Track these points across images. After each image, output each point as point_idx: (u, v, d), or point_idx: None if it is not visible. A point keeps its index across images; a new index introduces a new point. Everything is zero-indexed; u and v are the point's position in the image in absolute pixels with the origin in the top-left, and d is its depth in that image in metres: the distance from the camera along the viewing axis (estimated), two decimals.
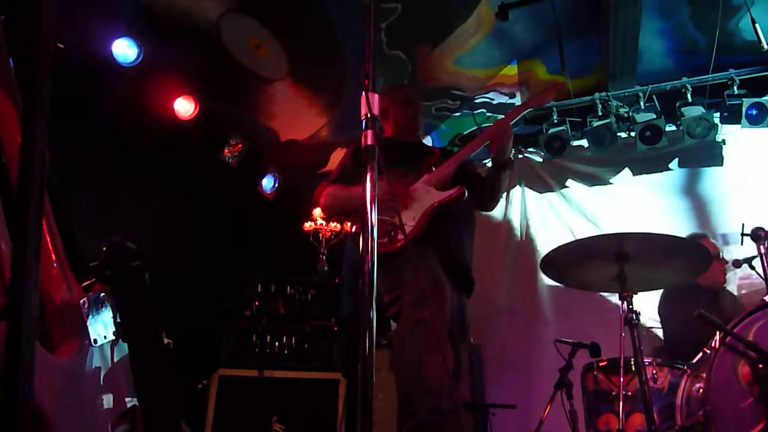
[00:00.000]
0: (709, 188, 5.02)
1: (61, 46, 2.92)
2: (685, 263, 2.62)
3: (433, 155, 2.79)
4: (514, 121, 2.79)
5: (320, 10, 3.92)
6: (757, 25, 3.81)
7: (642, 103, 4.97)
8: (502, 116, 2.86)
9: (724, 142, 5.01)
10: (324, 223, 4.52)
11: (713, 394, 2.45)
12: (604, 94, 5.02)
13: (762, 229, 2.77)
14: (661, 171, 5.21)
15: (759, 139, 4.87)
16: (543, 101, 3.06)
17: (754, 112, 4.69)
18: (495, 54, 4.78)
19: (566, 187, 5.48)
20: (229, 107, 4.42)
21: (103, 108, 3.59)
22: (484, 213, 3.09)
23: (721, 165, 5.02)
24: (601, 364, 3.09)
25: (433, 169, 2.70)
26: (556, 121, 5.20)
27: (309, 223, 4.50)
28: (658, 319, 3.97)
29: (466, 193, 2.59)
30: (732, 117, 4.79)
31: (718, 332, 2.55)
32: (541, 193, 5.55)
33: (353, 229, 2.84)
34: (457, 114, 5.33)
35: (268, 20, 3.88)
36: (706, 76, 4.79)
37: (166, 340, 1.36)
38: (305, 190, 5.20)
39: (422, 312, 2.27)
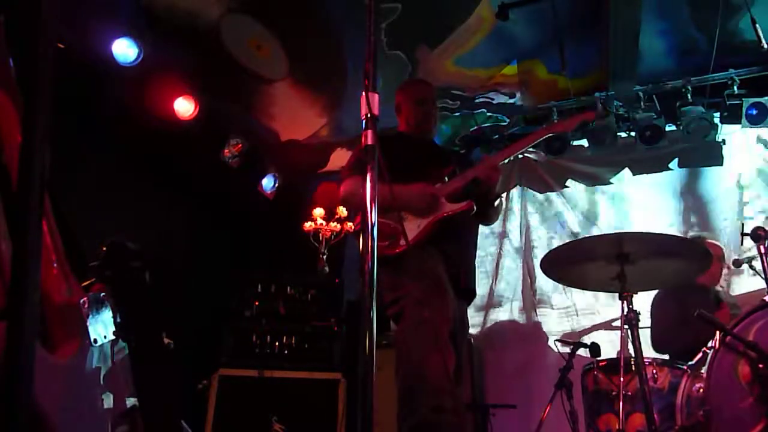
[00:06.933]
0: (709, 188, 5.02)
1: (61, 46, 2.92)
2: (685, 263, 2.62)
3: (448, 166, 2.75)
4: (522, 150, 2.77)
5: (320, 10, 3.91)
6: (757, 25, 3.81)
7: (642, 103, 4.97)
8: (515, 142, 2.85)
9: (724, 142, 5.01)
10: (324, 223, 4.52)
11: (713, 394, 2.46)
12: (604, 94, 5.02)
13: (762, 228, 2.77)
14: (661, 171, 5.21)
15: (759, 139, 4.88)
16: (569, 127, 3.05)
17: (754, 112, 4.68)
18: (495, 54, 4.78)
19: (566, 187, 5.48)
20: (229, 107, 4.41)
21: (103, 108, 3.58)
22: None
23: (721, 165, 5.02)
24: (601, 364, 3.09)
25: (446, 180, 2.69)
26: (556, 121, 5.20)
27: (309, 223, 4.50)
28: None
29: (475, 208, 2.59)
30: (732, 117, 4.79)
31: (718, 332, 2.56)
32: (541, 193, 5.55)
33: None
34: (457, 114, 5.33)
35: (269, 20, 3.88)
36: (706, 76, 4.79)
37: (166, 340, 1.36)
38: (305, 190, 5.21)
39: (425, 311, 2.27)
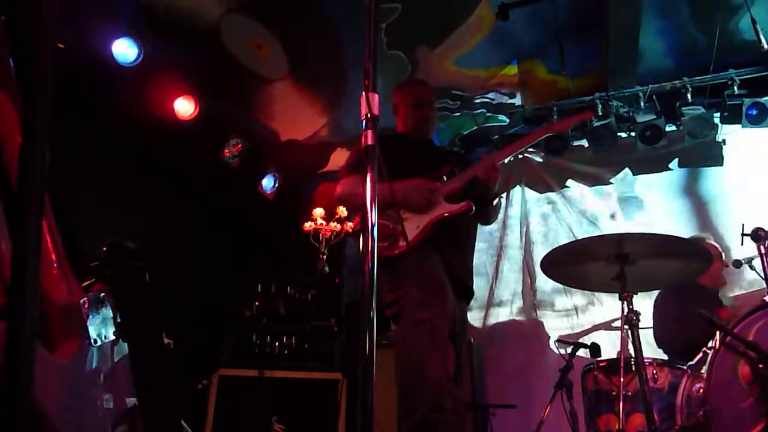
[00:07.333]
0: (709, 188, 5.02)
1: (61, 46, 2.92)
2: (685, 263, 2.62)
3: (447, 166, 2.75)
4: (525, 147, 2.78)
5: (320, 10, 3.91)
6: (757, 25, 3.81)
7: (642, 103, 4.97)
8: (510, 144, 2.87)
9: (724, 142, 5.01)
10: (324, 223, 4.52)
11: (713, 394, 2.45)
12: (604, 94, 5.02)
13: (762, 229, 2.77)
14: (661, 171, 5.21)
15: (759, 139, 4.87)
16: (566, 127, 3.06)
17: (754, 112, 4.68)
18: (495, 54, 4.78)
19: (566, 187, 5.48)
20: (229, 107, 4.41)
21: (103, 108, 3.58)
22: None
23: (721, 165, 5.02)
24: (601, 364, 3.09)
25: (445, 179, 2.69)
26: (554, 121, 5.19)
27: (309, 223, 4.50)
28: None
29: (474, 208, 2.58)
30: (732, 117, 4.79)
31: (718, 332, 2.55)
32: (541, 193, 5.55)
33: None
34: (457, 114, 5.33)
35: (269, 20, 3.88)
36: (706, 76, 4.79)
37: (166, 340, 1.36)
38: (305, 190, 5.20)
39: (424, 312, 2.28)
